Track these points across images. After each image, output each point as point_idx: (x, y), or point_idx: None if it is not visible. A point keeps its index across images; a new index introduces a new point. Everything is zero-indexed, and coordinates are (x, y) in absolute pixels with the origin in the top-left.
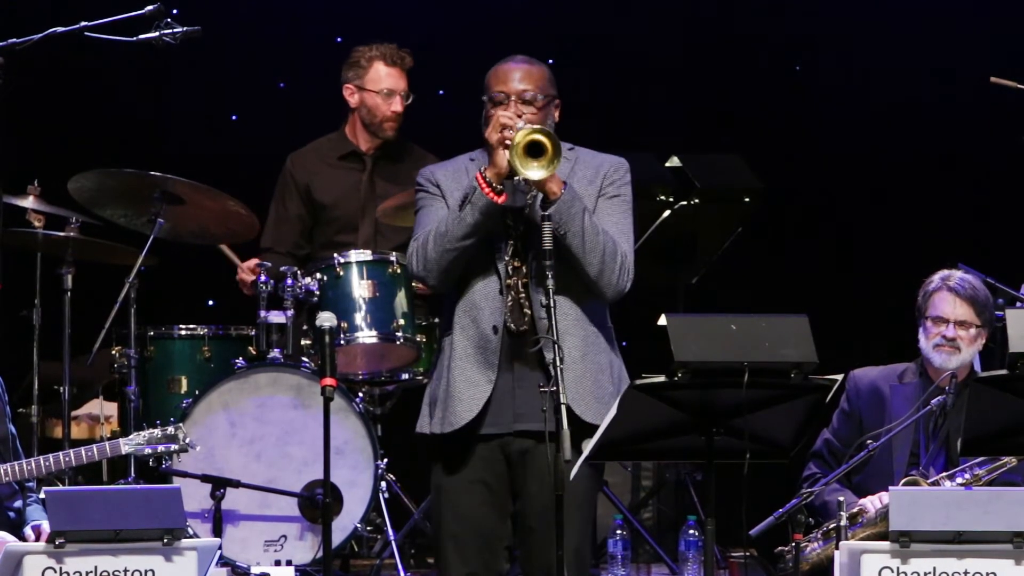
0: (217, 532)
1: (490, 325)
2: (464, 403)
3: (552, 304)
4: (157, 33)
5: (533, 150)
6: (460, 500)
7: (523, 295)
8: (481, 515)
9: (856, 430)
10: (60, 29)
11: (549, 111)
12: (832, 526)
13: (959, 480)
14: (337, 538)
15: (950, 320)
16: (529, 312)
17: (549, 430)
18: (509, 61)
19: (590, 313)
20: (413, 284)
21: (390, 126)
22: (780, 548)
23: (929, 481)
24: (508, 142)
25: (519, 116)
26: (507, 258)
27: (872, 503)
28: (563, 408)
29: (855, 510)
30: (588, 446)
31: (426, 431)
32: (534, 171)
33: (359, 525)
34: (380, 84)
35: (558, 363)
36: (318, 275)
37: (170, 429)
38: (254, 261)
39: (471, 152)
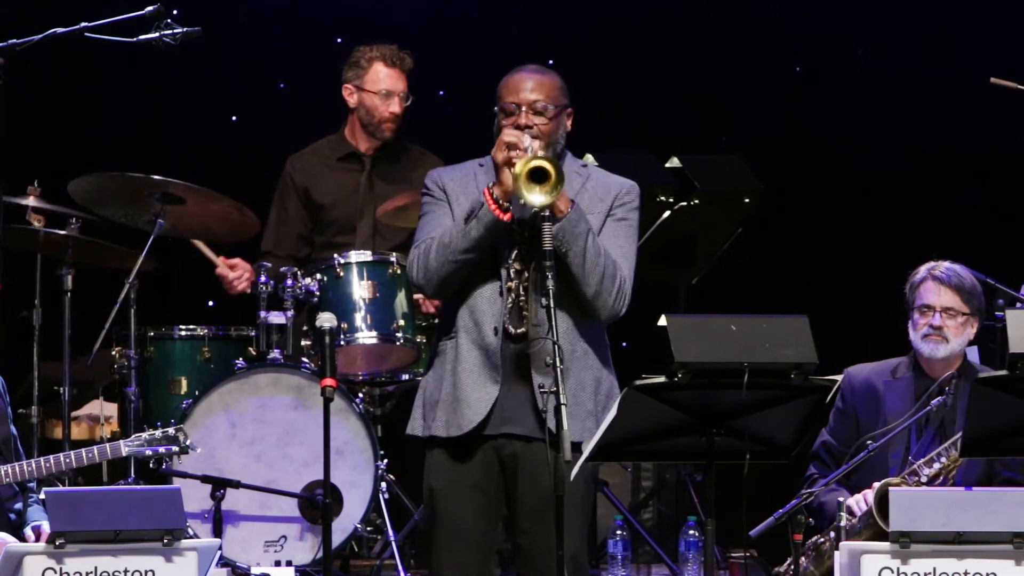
0: (217, 533)
1: (491, 327)
2: (472, 407)
3: (552, 304)
4: (157, 33)
5: (537, 176)
6: (453, 503)
7: (523, 298)
8: (473, 519)
9: (853, 428)
10: (60, 29)
11: (561, 121)
12: (823, 542)
13: (936, 466)
14: (337, 539)
15: (936, 308)
16: (527, 315)
17: (549, 430)
18: (521, 71)
19: (583, 328)
20: (414, 297)
21: (388, 127)
22: (777, 570)
23: (907, 471)
24: (514, 161)
25: (529, 127)
26: (510, 261)
27: (858, 505)
28: (563, 408)
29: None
30: (588, 446)
31: (419, 434)
32: (537, 196)
33: (359, 526)
34: (379, 85)
35: (557, 363)
36: (318, 276)
37: (170, 431)
38: (235, 260)
39: (480, 158)
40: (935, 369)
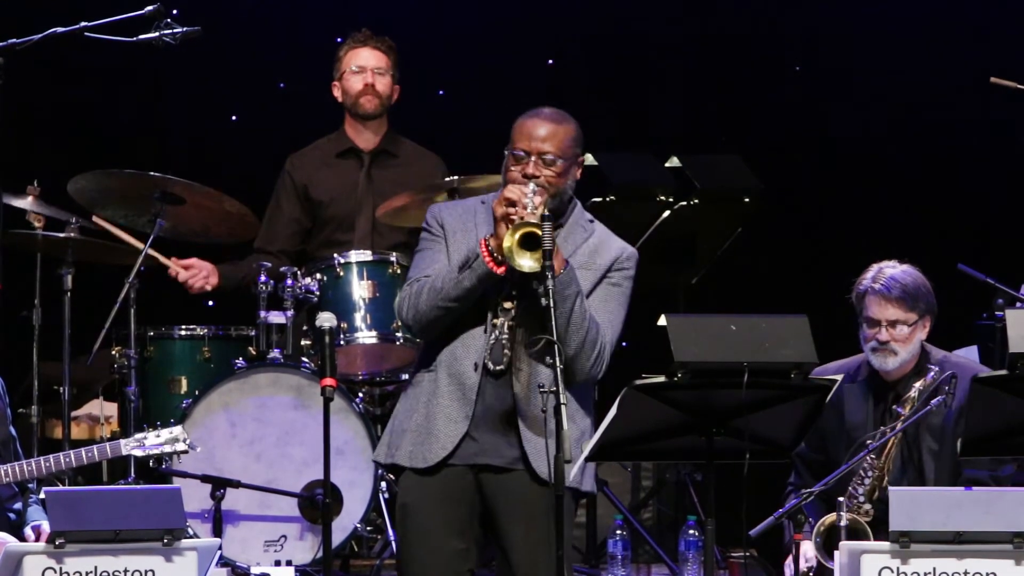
0: (217, 532)
1: (471, 362)
2: (440, 441)
3: (552, 304)
4: (157, 33)
5: (528, 241)
6: (424, 521)
7: (506, 336)
8: (444, 537)
9: (818, 434)
10: (60, 29)
11: (571, 172)
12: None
13: (868, 481)
14: (337, 538)
15: (882, 322)
16: (509, 353)
17: (549, 430)
18: (536, 116)
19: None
20: None
21: (367, 100)
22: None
23: (846, 497)
24: (512, 218)
25: (536, 176)
26: (498, 298)
27: (805, 557)
28: (563, 408)
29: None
30: (588, 446)
31: (382, 460)
32: (527, 261)
33: (359, 525)
34: (350, 65)
35: (558, 364)
36: (318, 275)
37: (171, 430)
38: (192, 260)
39: (484, 195)
40: (890, 375)
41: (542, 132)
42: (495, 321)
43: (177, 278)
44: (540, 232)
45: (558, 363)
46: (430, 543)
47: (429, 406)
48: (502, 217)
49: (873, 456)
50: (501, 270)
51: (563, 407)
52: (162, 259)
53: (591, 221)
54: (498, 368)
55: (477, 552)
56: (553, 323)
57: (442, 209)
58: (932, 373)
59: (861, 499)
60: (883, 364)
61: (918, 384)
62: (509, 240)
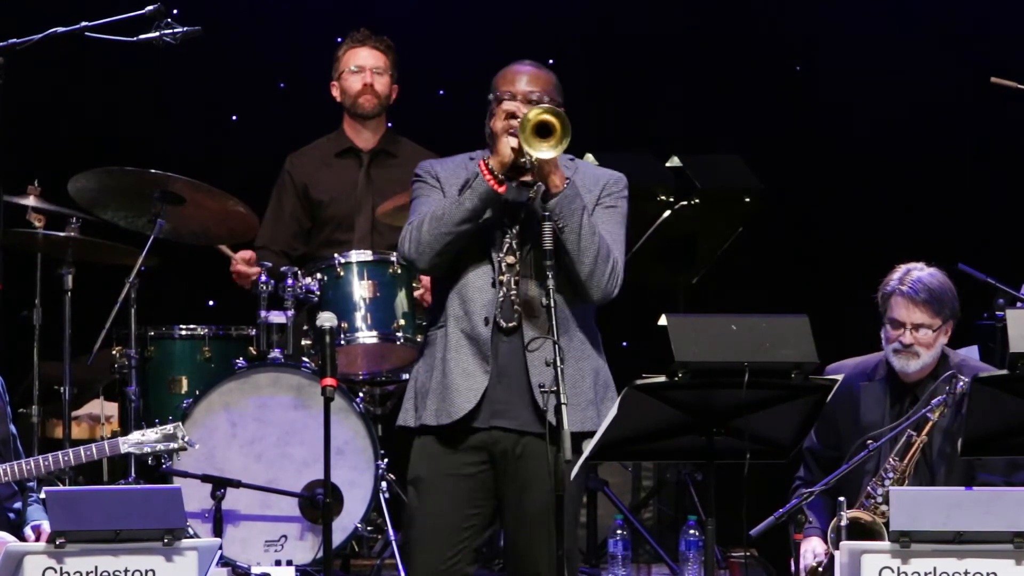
0: (217, 532)
1: (482, 317)
2: (463, 394)
3: (553, 304)
4: (157, 33)
5: (542, 131)
6: (433, 496)
7: (514, 292)
8: (452, 513)
9: (833, 431)
10: (60, 29)
11: None
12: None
13: (887, 483)
14: (338, 538)
15: (906, 325)
16: (519, 309)
17: (550, 424)
18: (518, 64)
19: (577, 317)
20: (414, 295)
21: (365, 100)
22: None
23: (863, 496)
24: (513, 130)
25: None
26: (502, 253)
27: (814, 553)
28: (564, 408)
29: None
30: (588, 446)
31: (410, 424)
32: (543, 151)
33: (360, 525)
34: (349, 64)
35: (558, 363)
36: (318, 275)
37: (169, 428)
38: (248, 253)
39: (471, 152)
40: (909, 377)
41: (525, 77)
42: (501, 278)
43: (241, 275)
44: (553, 118)
45: (558, 363)
46: (436, 517)
47: (445, 362)
48: (503, 130)
49: (897, 458)
50: (502, 189)
51: (564, 407)
52: (226, 251)
53: (572, 160)
54: (510, 325)
55: (487, 524)
56: (554, 322)
57: (433, 163)
58: (962, 382)
59: (879, 499)
60: (905, 367)
61: (948, 389)
62: (532, 116)
